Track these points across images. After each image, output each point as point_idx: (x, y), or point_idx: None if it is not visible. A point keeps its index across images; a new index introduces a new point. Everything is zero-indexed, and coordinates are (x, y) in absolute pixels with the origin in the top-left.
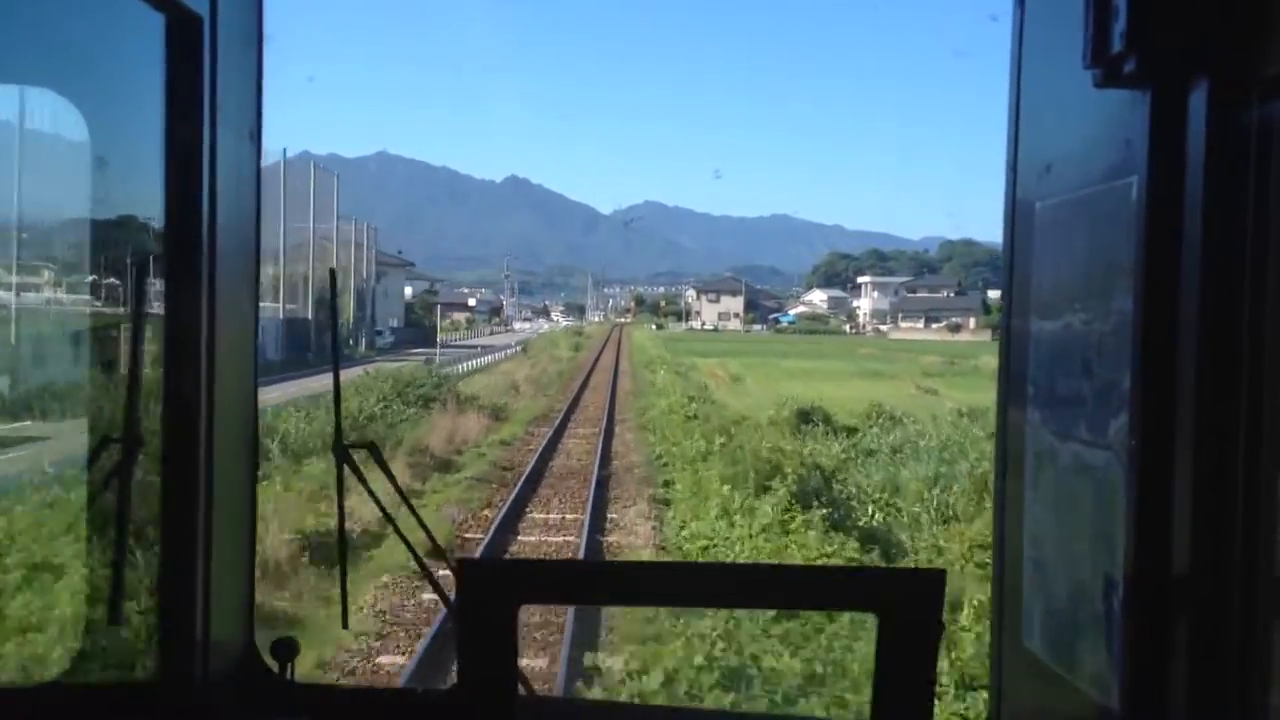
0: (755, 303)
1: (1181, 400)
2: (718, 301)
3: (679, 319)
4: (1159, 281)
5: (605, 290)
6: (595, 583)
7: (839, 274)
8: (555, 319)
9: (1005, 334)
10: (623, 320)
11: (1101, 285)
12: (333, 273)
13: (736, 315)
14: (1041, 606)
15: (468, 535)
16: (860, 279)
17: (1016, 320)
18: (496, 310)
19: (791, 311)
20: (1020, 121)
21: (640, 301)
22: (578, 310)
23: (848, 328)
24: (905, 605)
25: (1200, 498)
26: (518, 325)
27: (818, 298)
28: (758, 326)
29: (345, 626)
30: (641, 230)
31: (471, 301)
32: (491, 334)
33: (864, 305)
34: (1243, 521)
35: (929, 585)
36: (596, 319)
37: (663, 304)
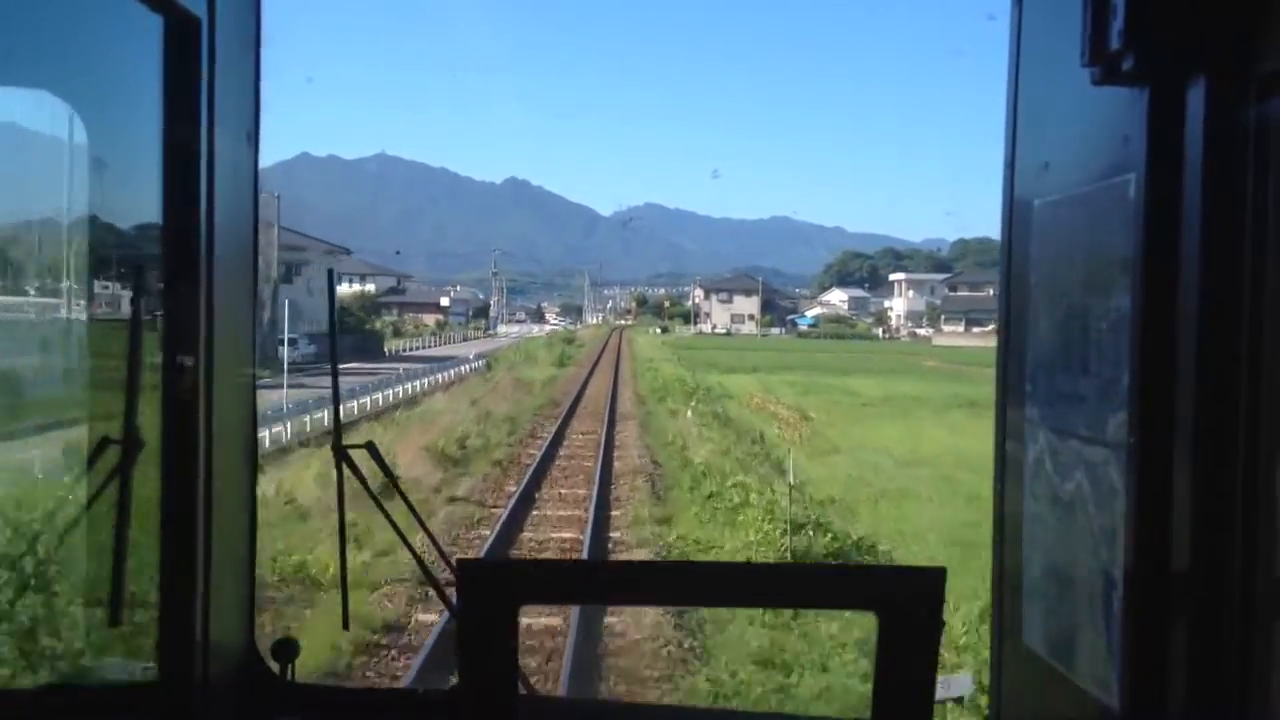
0: (771, 303)
1: (1180, 397)
2: (730, 302)
3: (685, 321)
4: (1157, 278)
5: (605, 292)
6: (596, 582)
7: (852, 273)
8: (550, 321)
9: (1003, 331)
10: (623, 323)
11: (1100, 282)
12: (330, 272)
13: (751, 317)
14: (1041, 605)
15: None
16: (893, 277)
17: (1015, 317)
18: (481, 311)
19: (810, 313)
20: (1018, 119)
21: (642, 302)
22: (575, 311)
23: (879, 331)
24: (906, 604)
25: (1199, 494)
26: (503, 329)
27: (837, 298)
28: (775, 330)
29: (346, 627)
30: (641, 232)
31: (444, 301)
32: (465, 340)
33: (897, 306)
34: (1241, 518)
35: (929, 583)
36: (594, 321)
37: (667, 305)
